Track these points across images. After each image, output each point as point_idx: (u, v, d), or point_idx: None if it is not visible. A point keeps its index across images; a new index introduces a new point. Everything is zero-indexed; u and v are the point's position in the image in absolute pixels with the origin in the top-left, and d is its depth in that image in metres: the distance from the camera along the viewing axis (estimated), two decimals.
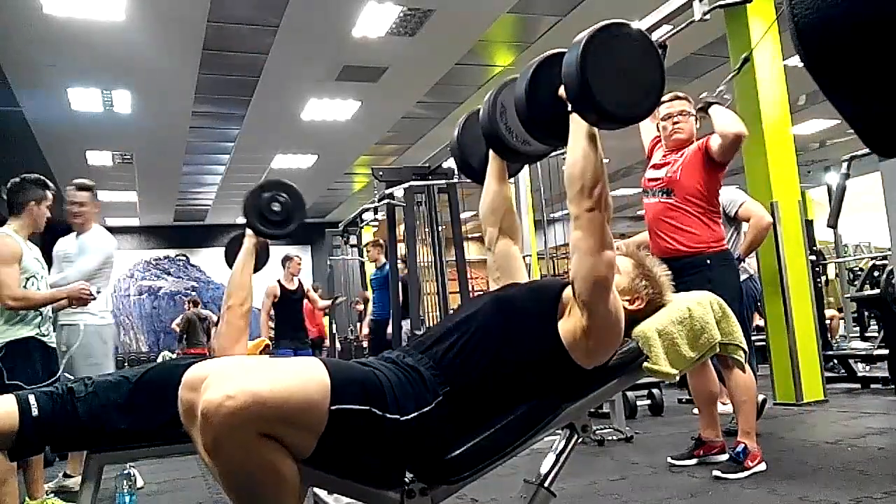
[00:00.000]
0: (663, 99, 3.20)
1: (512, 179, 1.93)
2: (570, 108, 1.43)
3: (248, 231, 2.43)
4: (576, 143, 1.43)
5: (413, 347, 1.51)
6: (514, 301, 1.56)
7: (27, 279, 3.10)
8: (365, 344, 7.10)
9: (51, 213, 3.33)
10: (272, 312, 6.19)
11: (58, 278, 3.52)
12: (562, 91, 1.43)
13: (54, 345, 3.24)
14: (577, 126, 1.43)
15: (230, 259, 2.47)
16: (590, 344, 1.46)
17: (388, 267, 6.43)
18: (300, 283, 5.85)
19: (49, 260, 3.58)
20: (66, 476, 3.54)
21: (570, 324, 1.47)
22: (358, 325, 7.95)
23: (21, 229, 3.16)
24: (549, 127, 1.54)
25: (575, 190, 1.42)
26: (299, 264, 6.05)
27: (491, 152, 1.82)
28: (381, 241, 6.71)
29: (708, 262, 2.95)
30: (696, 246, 2.98)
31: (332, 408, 1.21)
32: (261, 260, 2.48)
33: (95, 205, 3.83)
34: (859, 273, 8.30)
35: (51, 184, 3.34)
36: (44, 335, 3.12)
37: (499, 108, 1.71)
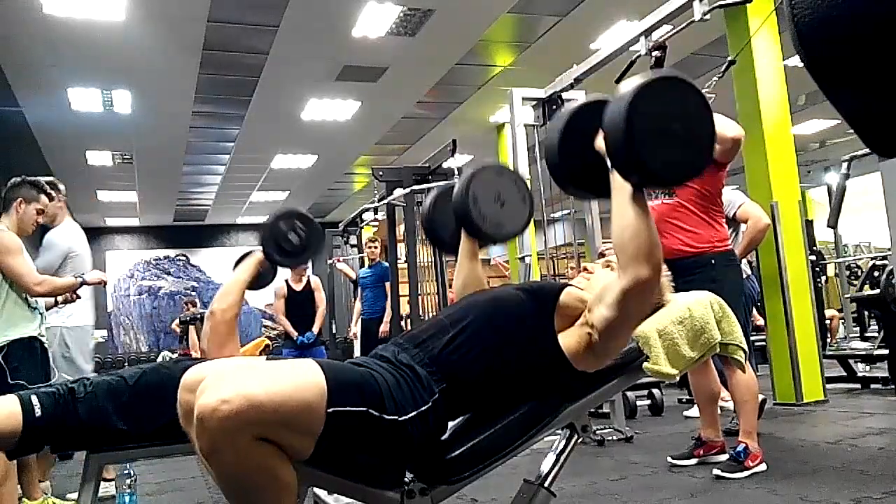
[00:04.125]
0: None
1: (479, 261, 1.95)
2: (610, 166, 1.33)
3: (260, 251, 2.39)
4: (622, 206, 1.32)
5: (407, 342, 1.49)
6: (510, 301, 1.55)
7: None
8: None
9: (40, 219, 3.25)
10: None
11: None
12: (599, 143, 1.33)
13: (48, 345, 3.23)
14: (621, 187, 1.32)
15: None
16: (593, 359, 1.48)
17: (381, 266, 6.43)
18: (308, 282, 5.85)
19: None
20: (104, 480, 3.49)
21: (572, 340, 1.48)
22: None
23: (10, 227, 3.10)
24: (581, 180, 1.46)
25: (628, 256, 1.32)
26: (305, 266, 6.05)
27: (463, 233, 1.85)
28: (381, 240, 6.71)
29: (712, 261, 2.96)
30: (700, 246, 2.99)
31: (329, 410, 1.20)
32: (263, 279, 2.45)
33: (59, 201, 3.76)
34: (857, 271, 8.32)
35: (49, 190, 3.29)
36: (42, 335, 3.11)
37: (471, 198, 1.74)
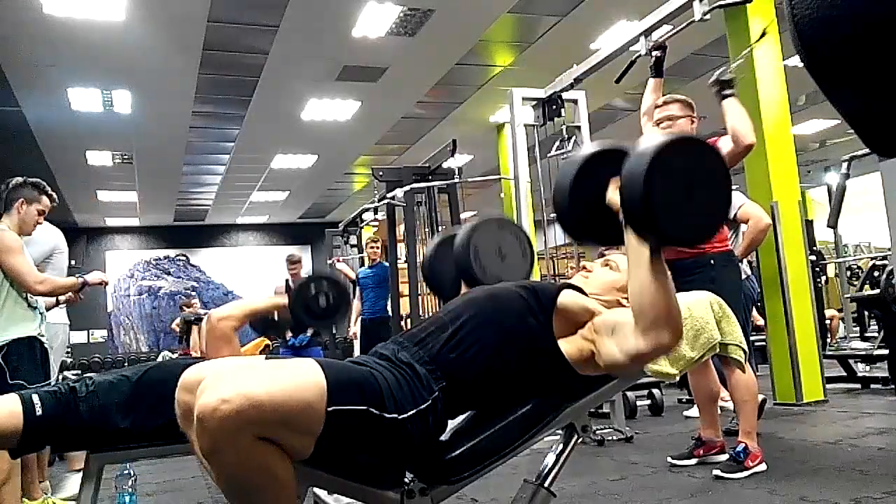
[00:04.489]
0: (657, 102, 3.20)
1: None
2: (624, 223, 1.30)
3: (285, 298, 2.38)
4: (639, 269, 1.30)
5: (406, 339, 1.49)
6: (509, 298, 1.54)
7: None
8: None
9: (42, 221, 3.26)
10: None
11: None
12: (611, 197, 1.31)
13: (48, 345, 3.23)
14: (637, 248, 1.30)
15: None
16: (594, 371, 1.49)
17: (383, 266, 6.43)
18: None
19: None
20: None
21: (574, 347, 1.48)
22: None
23: (11, 227, 3.12)
24: (590, 228, 1.43)
25: (647, 321, 1.30)
26: (293, 266, 6.06)
27: (463, 283, 1.88)
28: (382, 240, 6.71)
29: (712, 262, 2.96)
30: (700, 246, 2.98)
31: (329, 409, 1.20)
32: (274, 327, 2.45)
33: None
34: (857, 270, 8.32)
35: (51, 192, 3.29)
36: (42, 335, 3.11)
37: (472, 251, 1.79)
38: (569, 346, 1.48)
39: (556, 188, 1.42)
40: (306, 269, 16.13)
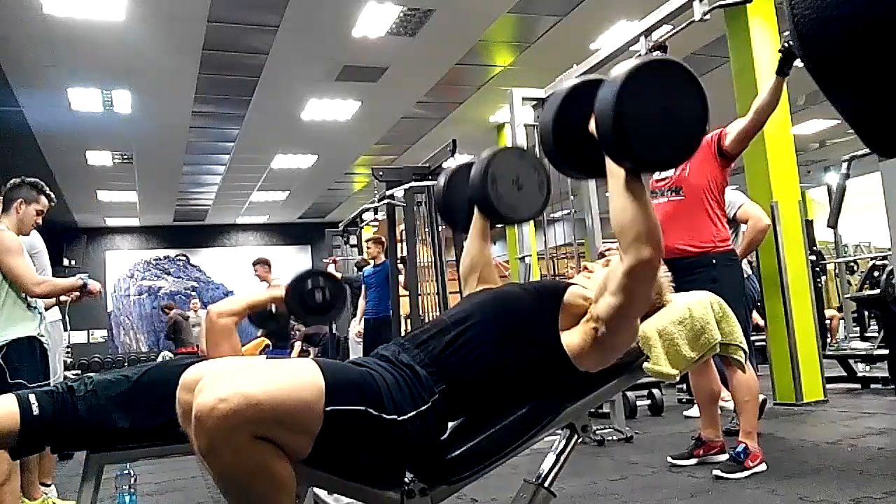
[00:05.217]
0: None
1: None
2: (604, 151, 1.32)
3: (282, 290, 2.38)
4: (618, 192, 1.33)
5: (408, 342, 1.49)
6: (514, 301, 1.54)
7: None
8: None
9: (41, 221, 3.26)
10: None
11: None
12: (592, 127, 1.31)
13: (47, 345, 3.23)
14: (615, 172, 1.33)
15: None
16: (597, 358, 1.48)
17: (387, 265, 6.42)
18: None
19: None
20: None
21: (577, 338, 1.47)
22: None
23: (10, 227, 3.12)
24: (578, 164, 1.46)
25: (629, 239, 1.32)
26: (260, 268, 6.09)
27: (476, 211, 1.85)
28: (382, 239, 6.71)
29: (713, 261, 2.96)
30: (702, 245, 2.99)
31: (328, 409, 1.20)
32: (271, 321, 2.45)
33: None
34: (854, 266, 8.32)
35: (49, 192, 3.30)
36: (42, 335, 3.11)
37: (490, 178, 1.73)
38: (571, 337, 1.47)
39: (541, 123, 1.45)
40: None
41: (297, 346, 10.55)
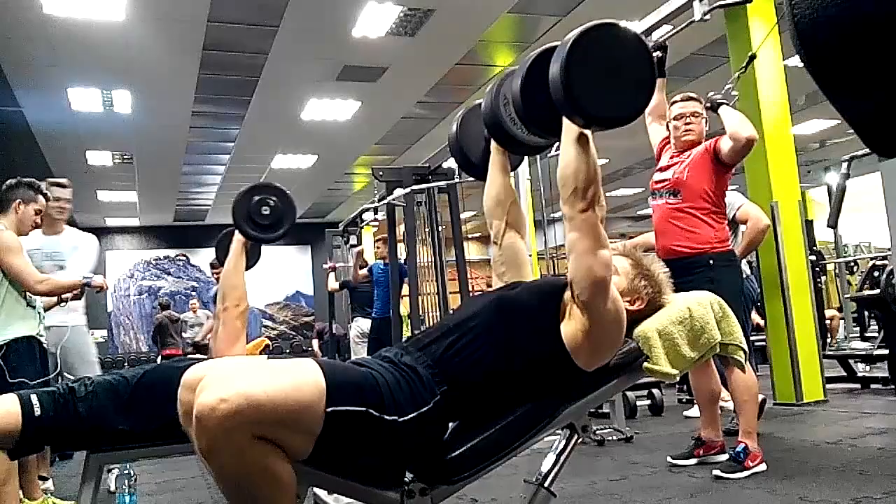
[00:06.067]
0: (675, 99, 3.21)
1: (511, 176, 1.92)
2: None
3: (237, 232, 2.41)
4: (567, 145, 1.41)
5: (411, 345, 1.49)
6: (516, 302, 1.54)
7: None
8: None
9: (40, 221, 3.26)
10: None
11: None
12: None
13: (47, 346, 3.22)
14: (568, 128, 1.41)
15: (221, 255, 2.45)
16: (591, 345, 1.45)
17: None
18: None
19: None
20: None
21: (570, 326, 1.46)
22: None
23: (9, 227, 3.12)
24: (547, 125, 1.51)
25: (568, 191, 1.41)
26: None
27: (493, 144, 1.82)
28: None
29: (711, 261, 2.96)
30: (700, 246, 2.99)
31: (328, 410, 1.21)
32: (252, 258, 2.46)
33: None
34: (854, 266, 8.33)
35: (47, 192, 3.30)
36: (41, 335, 3.11)
37: (502, 98, 1.68)
38: (567, 328, 1.46)
39: (511, 93, 1.55)
40: (305, 270, 16.13)
41: (316, 343, 10.64)
